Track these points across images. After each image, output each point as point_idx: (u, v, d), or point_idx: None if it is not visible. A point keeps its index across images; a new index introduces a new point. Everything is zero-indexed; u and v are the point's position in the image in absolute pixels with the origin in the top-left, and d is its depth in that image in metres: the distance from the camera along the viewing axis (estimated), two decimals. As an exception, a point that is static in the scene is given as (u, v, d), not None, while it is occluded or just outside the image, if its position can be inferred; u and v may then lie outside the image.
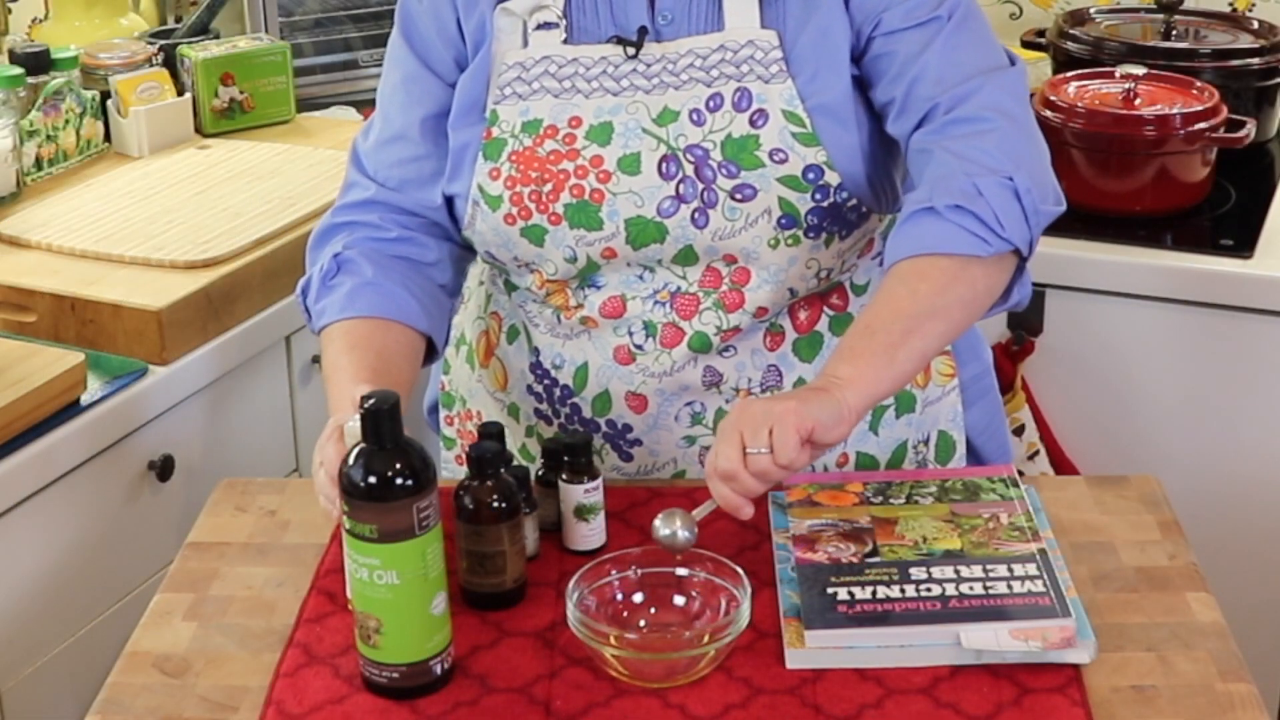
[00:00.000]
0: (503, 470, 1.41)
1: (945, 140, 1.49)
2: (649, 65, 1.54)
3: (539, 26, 1.55)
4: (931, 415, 1.69)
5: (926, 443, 1.69)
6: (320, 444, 1.40)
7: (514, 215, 1.55)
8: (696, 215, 1.52)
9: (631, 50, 1.54)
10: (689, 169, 1.52)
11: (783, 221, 1.53)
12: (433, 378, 1.82)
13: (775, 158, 1.51)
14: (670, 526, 1.39)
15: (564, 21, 1.55)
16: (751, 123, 1.51)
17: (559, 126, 1.53)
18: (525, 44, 1.55)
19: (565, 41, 1.55)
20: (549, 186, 1.53)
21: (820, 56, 1.52)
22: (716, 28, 1.54)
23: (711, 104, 1.52)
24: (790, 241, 1.54)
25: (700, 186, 1.52)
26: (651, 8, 1.54)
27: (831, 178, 1.52)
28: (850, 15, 1.52)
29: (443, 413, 1.78)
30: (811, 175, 1.52)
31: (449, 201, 1.61)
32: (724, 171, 1.52)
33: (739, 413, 1.37)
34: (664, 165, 1.52)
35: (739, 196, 1.52)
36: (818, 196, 1.52)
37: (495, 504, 1.39)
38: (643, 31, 1.54)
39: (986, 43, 1.55)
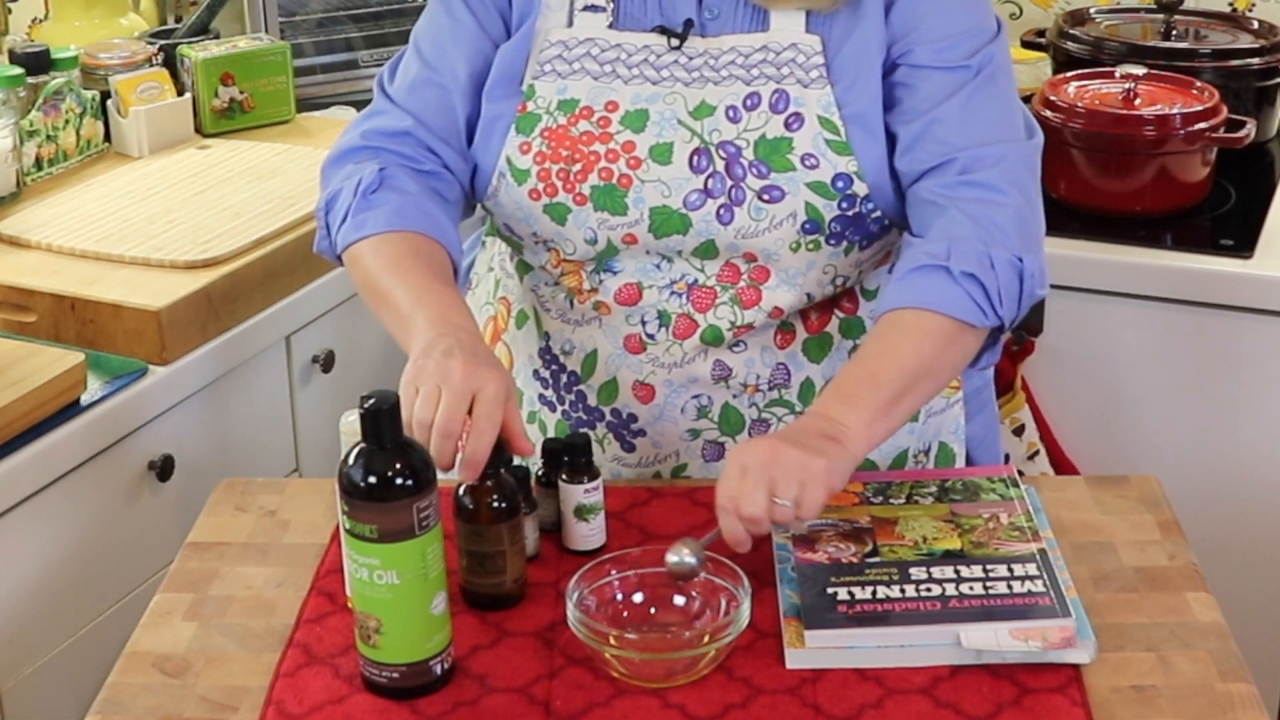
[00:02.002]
0: (502, 470, 1.41)
1: (961, 201, 1.50)
2: (691, 59, 1.54)
3: (585, 8, 1.56)
4: (934, 426, 1.69)
5: (927, 453, 1.69)
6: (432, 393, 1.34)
7: (539, 191, 1.54)
8: (722, 211, 1.52)
9: (675, 42, 1.54)
10: (720, 164, 1.52)
11: (807, 226, 1.53)
12: None
13: (806, 163, 1.51)
14: (679, 555, 1.37)
15: (611, 6, 1.56)
16: (787, 125, 1.52)
17: (594, 108, 1.54)
18: (570, 23, 1.56)
19: (610, 26, 1.56)
20: (578, 166, 1.53)
21: (859, 66, 1.52)
22: (761, 28, 1.54)
23: (749, 102, 1.52)
24: (811, 247, 1.54)
25: (729, 183, 1.52)
26: (699, 1, 1.55)
27: (860, 188, 1.52)
28: (888, 28, 1.53)
29: None
30: (840, 184, 1.52)
31: (471, 170, 1.60)
32: (754, 171, 1.52)
33: (770, 455, 1.36)
34: (695, 158, 1.52)
35: (766, 197, 1.52)
36: (844, 205, 1.53)
37: (495, 504, 1.39)
38: (688, 24, 1.54)
39: (1010, 105, 1.56)
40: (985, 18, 1.57)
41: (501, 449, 1.40)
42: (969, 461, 1.73)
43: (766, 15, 1.54)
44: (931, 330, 1.46)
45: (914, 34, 1.53)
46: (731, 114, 1.53)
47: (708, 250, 1.55)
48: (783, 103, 1.52)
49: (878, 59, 1.53)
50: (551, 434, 1.64)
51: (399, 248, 1.50)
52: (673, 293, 1.56)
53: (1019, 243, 1.50)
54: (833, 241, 1.54)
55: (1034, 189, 1.54)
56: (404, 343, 1.44)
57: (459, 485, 1.41)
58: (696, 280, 1.56)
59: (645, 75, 1.55)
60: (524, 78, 1.57)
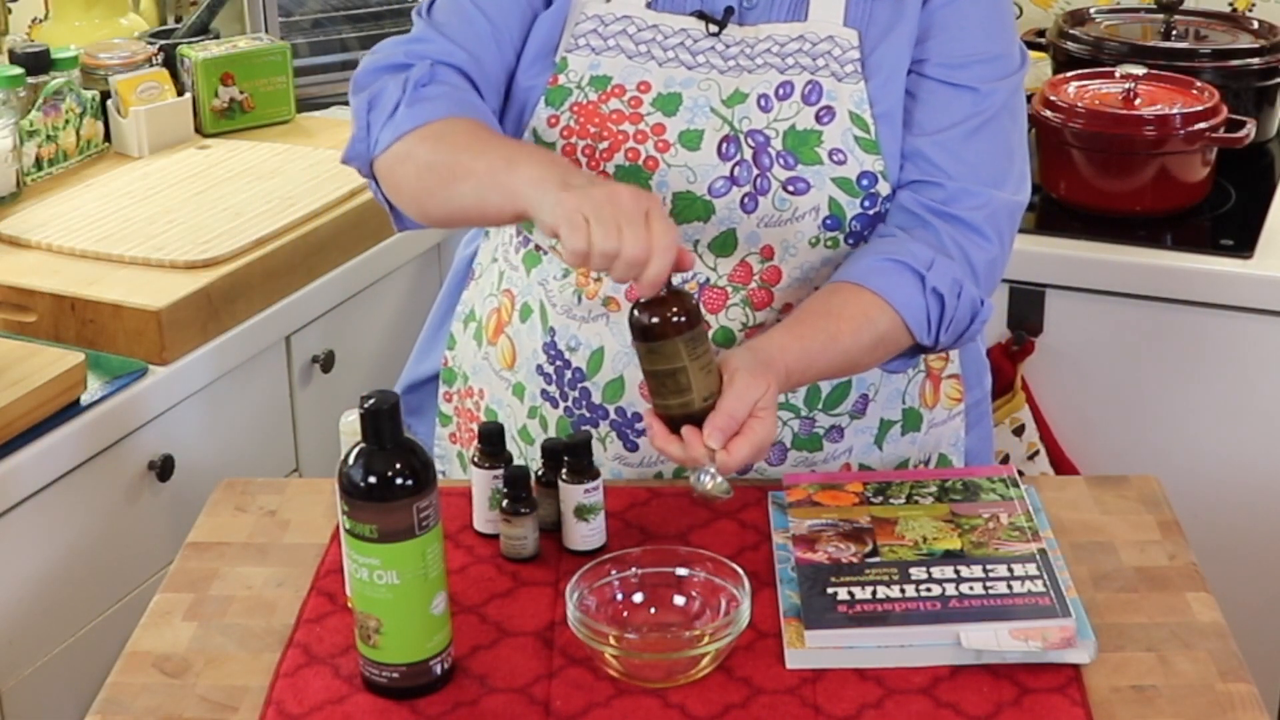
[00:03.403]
0: (672, 284, 1.35)
1: (944, 226, 1.52)
2: (728, 46, 1.54)
3: None
4: (935, 437, 1.69)
5: (927, 463, 1.69)
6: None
7: None
8: (746, 200, 1.52)
9: (714, 28, 1.54)
10: (747, 153, 1.52)
11: (828, 222, 1.53)
12: (416, 355, 1.80)
13: (834, 158, 1.52)
14: (711, 476, 1.36)
15: None
16: (817, 118, 1.52)
17: (626, 87, 1.54)
18: None
19: (649, 6, 1.56)
20: (605, 144, 1.53)
21: (894, 64, 1.53)
22: (799, 18, 1.54)
23: (781, 92, 1.53)
24: (830, 244, 1.54)
25: (755, 172, 1.52)
26: None
27: (883, 187, 1.53)
28: (920, 24, 1.53)
29: (442, 389, 1.77)
30: (865, 182, 1.52)
31: None
32: (781, 161, 1.52)
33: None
34: (724, 146, 1.52)
35: (791, 189, 1.52)
36: (866, 204, 1.53)
37: (673, 318, 1.33)
38: (729, 12, 1.54)
39: (1009, 152, 1.57)
40: (1007, 50, 1.57)
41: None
42: None
43: (805, 6, 1.54)
44: (883, 327, 1.49)
45: (933, 41, 1.54)
46: (763, 103, 1.53)
47: (725, 242, 1.54)
48: (815, 94, 1.52)
49: (908, 56, 1.54)
50: (553, 430, 1.64)
51: (471, 125, 1.46)
52: None
53: (985, 288, 1.55)
54: (851, 241, 1.54)
55: (1011, 241, 1.58)
56: (503, 200, 1.38)
57: (633, 305, 1.35)
58: (709, 280, 1.56)
59: (680, 59, 1.54)
60: (558, 49, 1.56)
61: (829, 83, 1.52)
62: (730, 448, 1.36)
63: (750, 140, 1.52)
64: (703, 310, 1.55)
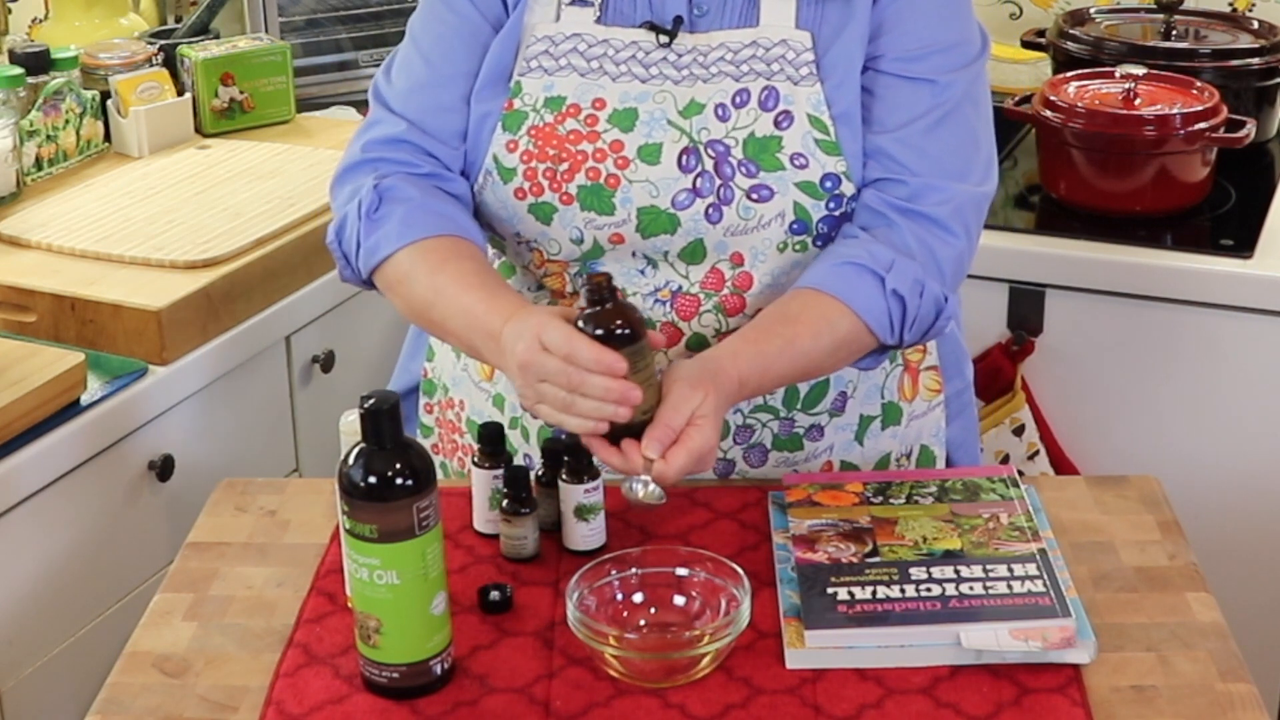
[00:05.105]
0: (619, 294, 1.37)
1: (909, 223, 1.52)
2: (680, 55, 1.54)
3: (572, 2, 1.55)
4: (916, 429, 1.68)
5: (909, 456, 1.69)
6: (532, 360, 1.36)
7: (525, 190, 1.54)
8: (711, 210, 1.52)
9: (665, 39, 1.53)
10: (709, 164, 1.52)
11: (794, 227, 1.53)
12: (400, 365, 1.80)
13: (796, 162, 1.51)
14: (644, 484, 1.38)
15: (599, 0, 1.55)
16: (776, 124, 1.51)
17: (582, 106, 1.53)
18: (557, 18, 1.55)
19: (598, 21, 1.55)
20: (565, 165, 1.52)
21: (848, 63, 1.52)
22: (751, 23, 1.54)
23: (738, 100, 1.52)
24: (798, 248, 1.54)
25: (718, 182, 1.52)
26: None
27: (847, 188, 1.52)
28: (872, 20, 1.53)
29: (422, 400, 1.77)
30: (829, 184, 1.52)
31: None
32: (743, 170, 1.51)
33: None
34: (684, 158, 1.52)
35: (755, 196, 1.52)
36: (831, 205, 1.53)
37: (617, 330, 1.35)
38: (678, 21, 1.54)
39: (973, 141, 1.56)
40: (964, 36, 1.56)
41: (610, 278, 1.39)
42: (948, 464, 1.73)
43: (756, 11, 1.53)
44: (843, 330, 1.48)
45: (887, 37, 1.53)
46: (720, 112, 1.52)
47: (694, 252, 1.54)
48: (772, 100, 1.52)
49: (861, 55, 1.53)
50: (534, 438, 1.64)
51: (428, 264, 1.49)
52: (657, 300, 1.56)
53: (950, 283, 1.54)
54: (819, 243, 1.54)
55: (978, 233, 1.57)
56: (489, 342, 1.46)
57: (577, 316, 1.37)
58: (681, 287, 1.56)
59: (633, 72, 1.54)
60: (511, 74, 1.56)
61: (785, 87, 1.52)
62: (668, 457, 1.37)
63: (710, 151, 1.52)
64: (676, 318, 1.55)
